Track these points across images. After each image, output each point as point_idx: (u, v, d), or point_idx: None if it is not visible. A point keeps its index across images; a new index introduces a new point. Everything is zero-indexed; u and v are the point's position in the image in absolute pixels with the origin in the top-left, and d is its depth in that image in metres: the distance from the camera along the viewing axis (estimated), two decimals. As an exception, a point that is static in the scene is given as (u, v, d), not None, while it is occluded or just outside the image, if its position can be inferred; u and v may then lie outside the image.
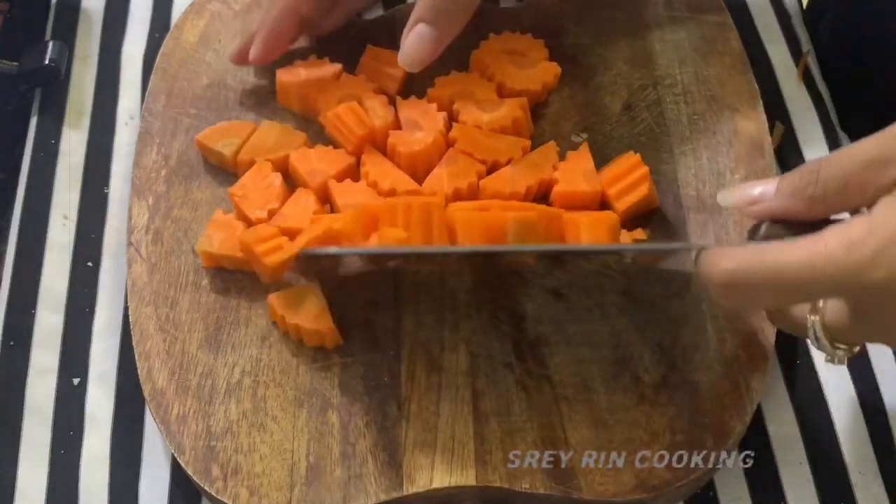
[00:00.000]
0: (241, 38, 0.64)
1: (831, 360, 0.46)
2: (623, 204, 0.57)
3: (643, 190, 0.57)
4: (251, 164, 0.59)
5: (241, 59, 0.64)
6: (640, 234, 0.57)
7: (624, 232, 0.57)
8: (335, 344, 0.55)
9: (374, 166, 0.58)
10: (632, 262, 0.57)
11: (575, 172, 0.58)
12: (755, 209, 0.47)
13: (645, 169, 0.57)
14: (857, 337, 0.45)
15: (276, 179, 0.58)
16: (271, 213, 0.57)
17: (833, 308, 0.45)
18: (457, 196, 0.57)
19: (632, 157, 0.58)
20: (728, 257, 0.43)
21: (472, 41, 0.63)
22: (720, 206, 0.56)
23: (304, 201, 0.57)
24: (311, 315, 0.54)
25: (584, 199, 0.57)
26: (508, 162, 0.58)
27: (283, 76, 0.62)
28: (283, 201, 0.58)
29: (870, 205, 0.42)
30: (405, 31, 0.57)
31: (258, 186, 0.58)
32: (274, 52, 0.63)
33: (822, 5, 0.76)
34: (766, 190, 0.46)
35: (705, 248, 0.45)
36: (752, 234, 0.47)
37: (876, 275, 0.40)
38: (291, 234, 0.56)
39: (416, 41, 0.57)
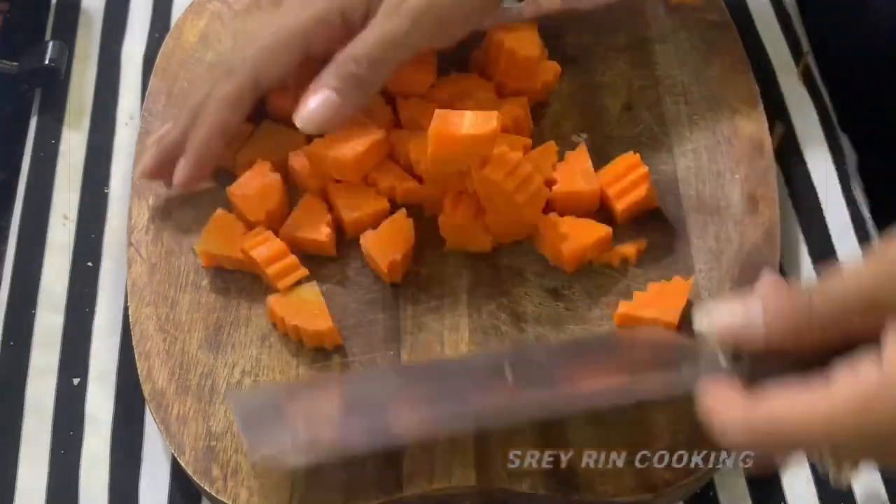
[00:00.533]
0: (154, 152, 0.58)
1: (836, 484, 0.44)
2: (622, 204, 0.57)
3: (642, 190, 0.57)
4: (251, 165, 0.59)
5: (156, 174, 0.59)
6: (641, 244, 0.57)
7: (629, 245, 0.57)
8: (335, 344, 0.54)
9: (377, 168, 0.58)
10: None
11: (573, 172, 0.58)
12: (741, 341, 0.43)
13: (644, 169, 0.57)
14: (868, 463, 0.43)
15: (276, 179, 0.58)
16: (269, 214, 0.57)
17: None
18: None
19: (631, 157, 0.58)
20: (731, 417, 0.40)
21: (473, 41, 0.63)
22: (720, 211, 0.57)
23: (314, 209, 0.57)
24: (311, 316, 0.54)
25: (583, 199, 0.57)
26: None
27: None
28: (282, 202, 0.58)
29: (869, 337, 0.39)
30: (308, 92, 0.55)
31: (257, 186, 0.58)
32: (204, 176, 0.58)
33: (823, 4, 0.76)
34: (751, 321, 0.42)
35: (703, 379, 0.42)
36: (735, 359, 0.43)
37: (893, 429, 0.38)
38: (302, 245, 0.56)
39: (321, 107, 0.55)
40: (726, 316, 0.43)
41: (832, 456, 0.41)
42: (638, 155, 0.58)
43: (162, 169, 0.58)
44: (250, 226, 0.57)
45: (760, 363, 0.42)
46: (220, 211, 0.58)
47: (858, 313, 0.40)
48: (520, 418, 0.50)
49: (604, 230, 0.56)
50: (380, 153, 0.57)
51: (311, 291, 0.55)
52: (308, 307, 0.54)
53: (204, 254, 0.57)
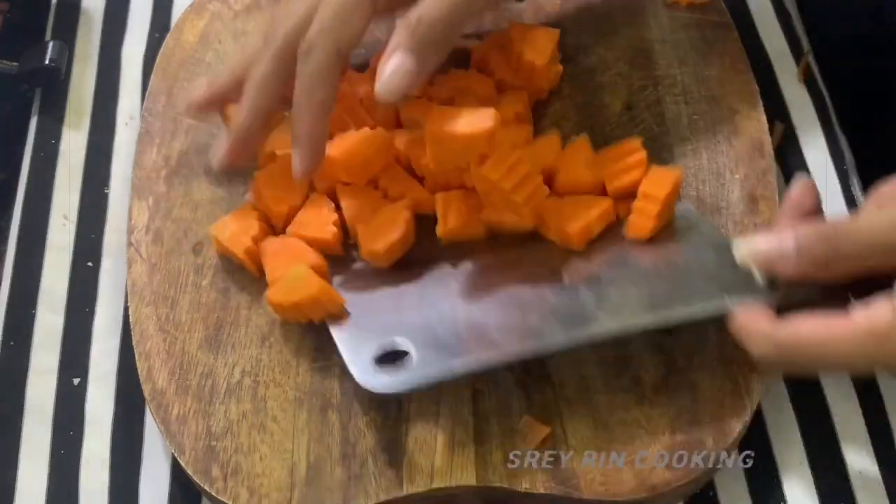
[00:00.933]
0: (218, 82, 0.58)
1: None
2: (614, 185, 0.56)
3: (637, 174, 0.56)
4: (271, 156, 0.59)
5: (203, 109, 0.59)
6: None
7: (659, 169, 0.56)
8: (339, 310, 0.53)
9: (385, 173, 0.58)
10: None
11: (576, 161, 0.57)
12: (777, 270, 0.49)
13: (642, 154, 0.57)
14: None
15: (255, 217, 0.57)
16: (292, 209, 0.57)
17: None
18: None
19: (633, 142, 0.58)
20: (765, 338, 0.47)
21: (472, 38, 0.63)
22: (720, 210, 0.57)
23: (321, 208, 0.57)
24: (310, 289, 0.53)
25: (586, 186, 0.57)
26: None
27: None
28: (304, 198, 0.57)
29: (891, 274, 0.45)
30: (383, 58, 0.52)
31: (279, 182, 0.57)
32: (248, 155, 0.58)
33: (824, 5, 0.76)
34: (784, 251, 0.48)
35: (739, 305, 0.49)
36: (771, 286, 0.49)
37: None
38: (309, 244, 0.56)
39: (397, 73, 0.52)
40: (763, 245, 0.49)
41: (847, 374, 0.50)
42: (639, 140, 0.58)
43: (212, 107, 0.59)
44: (268, 220, 0.57)
45: (793, 293, 0.48)
46: (249, 204, 0.58)
47: (880, 254, 0.45)
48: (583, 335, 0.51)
49: (605, 202, 0.56)
50: (386, 155, 0.57)
51: (301, 268, 0.54)
52: (305, 281, 0.53)
53: (215, 238, 0.57)
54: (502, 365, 0.52)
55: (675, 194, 0.56)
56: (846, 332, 0.45)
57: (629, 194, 0.57)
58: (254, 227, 0.56)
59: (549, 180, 0.58)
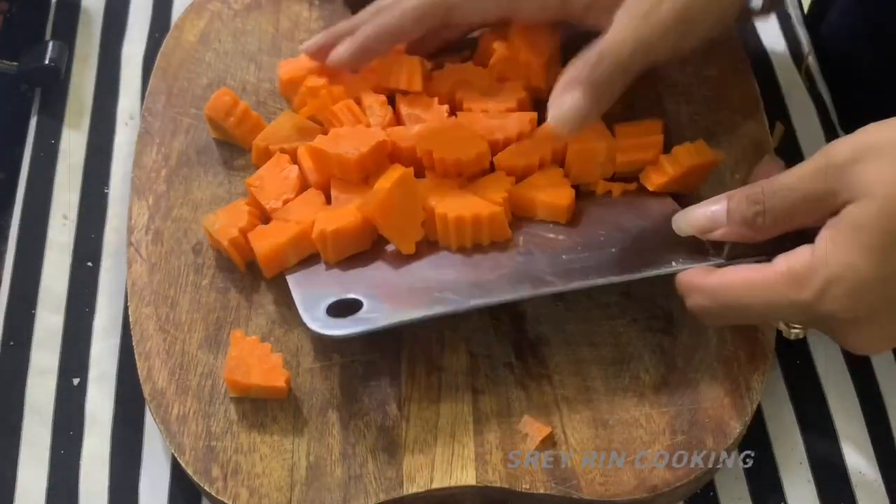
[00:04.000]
0: (325, 35, 0.61)
1: (787, 336, 0.52)
2: (625, 158, 0.57)
3: (652, 154, 0.57)
4: (265, 150, 0.59)
5: (319, 55, 0.61)
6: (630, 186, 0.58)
7: (619, 185, 0.58)
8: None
9: (380, 170, 0.58)
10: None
11: (587, 131, 0.56)
12: (711, 236, 0.51)
13: (660, 136, 0.58)
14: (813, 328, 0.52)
15: (293, 172, 0.58)
16: (286, 203, 0.57)
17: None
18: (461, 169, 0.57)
19: (654, 122, 0.58)
20: (698, 289, 0.50)
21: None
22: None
23: (314, 200, 0.57)
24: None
25: (599, 155, 0.57)
26: (519, 138, 0.58)
27: (286, 66, 0.62)
28: (298, 193, 0.58)
29: (819, 223, 0.47)
30: (556, 88, 0.54)
31: (275, 177, 0.58)
32: (354, 66, 0.60)
33: (824, 5, 0.76)
34: (716, 216, 0.50)
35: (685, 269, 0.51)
36: (718, 249, 0.52)
37: (822, 308, 0.46)
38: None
39: (574, 109, 0.53)
40: (697, 215, 0.51)
41: (775, 319, 0.52)
42: (661, 122, 0.59)
43: (324, 52, 0.60)
44: (264, 216, 0.57)
45: (737, 249, 0.51)
46: (242, 201, 0.58)
47: (802, 210, 0.48)
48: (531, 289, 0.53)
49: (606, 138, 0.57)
50: (382, 153, 0.57)
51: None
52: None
53: (207, 231, 0.57)
54: (451, 314, 0.53)
55: (704, 172, 0.58)
56: (768, 276, 0.47)
57: (635, 171, 0.57)
58: (243, 219, 0.56)
59: (562, 160, 0.58)
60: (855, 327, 0.47)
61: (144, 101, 0.65)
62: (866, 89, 0.71)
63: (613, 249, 0.55)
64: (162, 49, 0.67)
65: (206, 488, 0.52)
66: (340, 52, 0.59)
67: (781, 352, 0.56)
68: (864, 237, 0.45)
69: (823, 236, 0.46)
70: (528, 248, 0.55)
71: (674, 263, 0.53)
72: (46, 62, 0.66)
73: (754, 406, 0.53)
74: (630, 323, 0.55)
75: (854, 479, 0.54)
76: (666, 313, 0.56)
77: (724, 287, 0.49)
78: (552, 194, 0.56)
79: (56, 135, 0.66)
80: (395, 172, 0.54)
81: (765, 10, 0.65)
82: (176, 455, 0.53)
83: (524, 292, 0.53)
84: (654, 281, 0.56)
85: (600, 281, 0.53)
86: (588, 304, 0.56)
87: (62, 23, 0.71)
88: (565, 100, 0.53)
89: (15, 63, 0.67)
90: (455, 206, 0.54)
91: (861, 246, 0.45)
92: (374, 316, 0.52)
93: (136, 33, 0.71)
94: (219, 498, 0.51)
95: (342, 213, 0.55)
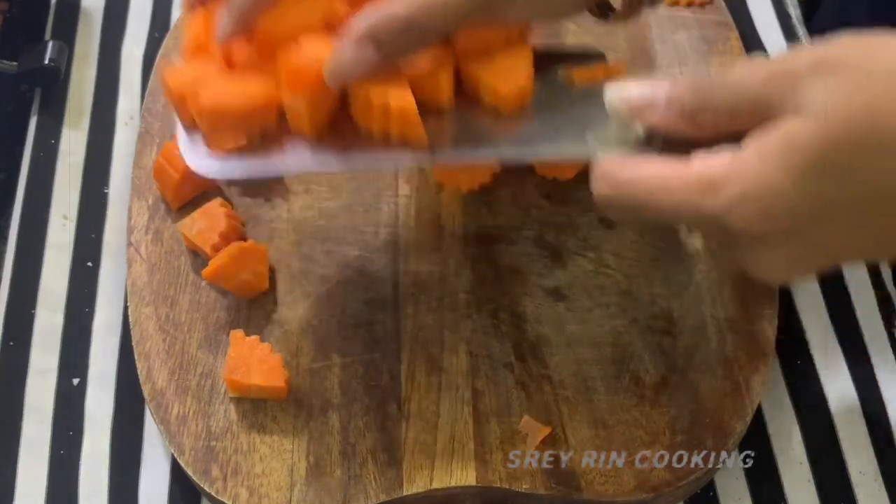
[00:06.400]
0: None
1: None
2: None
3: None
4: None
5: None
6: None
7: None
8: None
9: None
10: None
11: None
12: (642, 118, 0.45)
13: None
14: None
15: (221, 212, 0.58)
16: (222, 236, 0.57)
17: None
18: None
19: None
20: (605, 176, 0.44)
21: None
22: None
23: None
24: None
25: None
26: None
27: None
28: (230, 226, 0.57)
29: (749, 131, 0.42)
30: (344, 37, 0.46)
31: (206, 222, 0.58)
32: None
33: (812, 7, 0.76)
34: (654, 99, 0.45)
35: (598, 154, 0.46)
36: (649, 140, 0.46)
37: (727, 221, 0.40)
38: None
39: (353, 58, 0.46)
40: (633, 91, 0.45)
41: (678, 223, 0.45)
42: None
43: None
44: (207, 255, 0.57)
45: (669, 146, 0.44)
46: (219, 200, 0.58)
47: (746, 112, 0.42)
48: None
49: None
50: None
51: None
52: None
53: (184, 235, 0.57)
54: (327, 172, 0.50)
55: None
56: (681, 175, 0.42)
57: None
58: (222, 223, 0.57)
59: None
60: (760, 249, 0.42)
61: (144, 101, 0.65)
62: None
63: (538, 125, 0.49)
64: (162, 49, 0.67)
65: (206, 488, 0.52)
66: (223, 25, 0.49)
67: (781, 352, 0.56)
68: (797, 158, 0.39)
69: (750, 145, 0.41)
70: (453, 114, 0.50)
71: (591, 144, 0.47)
72: (46, 62, 0.66)
73: (754, 406, 0.53)
74: (630, 323, 0.55)
75: (854, 479, 0.54)
76: (666, 313, 0.56)
77: (634, 180, 0.43)
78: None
79: (56, 135, 0.66)
80: None
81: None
82: (175, 455, 0.53)
83: (429, 158, 0.48)
84: (654, 281, 0.56)
85: (519, 155, 0.49)
86: (588, 304, 0.56)
87: (62, 23, 0.71)
88: (349, 48, 0.46)
89: (15, 63, 0.67)
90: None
91: (789, 167, 0.39)
92: (259, 160, 0.48)
93: (136, 33, 0.71)
94: (218, 498, 0.51)
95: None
